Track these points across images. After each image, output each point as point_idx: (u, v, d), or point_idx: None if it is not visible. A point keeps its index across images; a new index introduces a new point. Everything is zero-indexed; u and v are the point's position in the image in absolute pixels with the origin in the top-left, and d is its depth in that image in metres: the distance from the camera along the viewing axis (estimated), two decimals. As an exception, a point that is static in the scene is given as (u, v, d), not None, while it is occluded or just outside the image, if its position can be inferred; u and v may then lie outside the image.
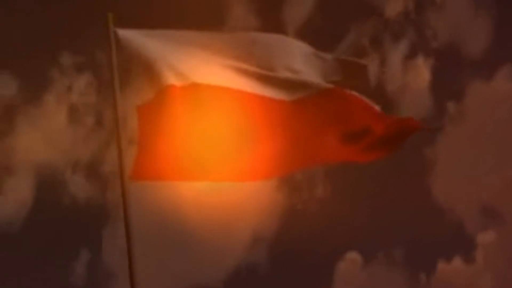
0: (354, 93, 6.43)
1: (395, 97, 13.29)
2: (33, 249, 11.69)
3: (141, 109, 6.05)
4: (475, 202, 13.26)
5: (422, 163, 13.20)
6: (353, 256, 12.54)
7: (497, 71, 13.66)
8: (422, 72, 13.66)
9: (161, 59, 6.14)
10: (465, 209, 13.20)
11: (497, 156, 13.15)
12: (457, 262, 12.81)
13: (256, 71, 6.39)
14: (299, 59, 6.54)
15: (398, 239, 12.59)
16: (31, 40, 12.26)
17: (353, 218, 12.20)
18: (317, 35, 12.87)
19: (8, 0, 12.18)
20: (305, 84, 6.39)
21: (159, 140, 6.00)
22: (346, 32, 13.06)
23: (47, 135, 12.56)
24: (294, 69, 6.47)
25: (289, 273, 12.14)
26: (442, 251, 12.64)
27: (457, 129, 13.46)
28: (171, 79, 6.08)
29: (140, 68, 6.11)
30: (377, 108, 6.40)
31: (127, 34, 6.17)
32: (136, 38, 6.20)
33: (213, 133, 6.13)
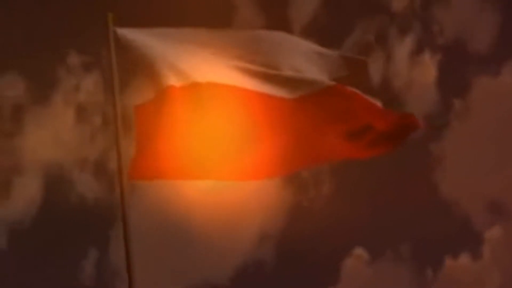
0: (356, 90, 6.42)
1: (402, 93, 13.30)
2: (42, 247, 11.75)
3: (139, 109, 6.06)
4: (482, 198, 13.25)
5: (429, 159, 13.21)
6: (359, 252, 12.56)
7: (503, 66, 13.66)
8: (428, 67, 13.65)
9: (161, 58, 6.14)
10: (472, 205, 13.19)
11: (504, 151, 13.14)
12: (464, 258, 12.81)
13: (258, 69, 6.39)
14: (302, 57, 6.54)
15: (405, 235, 12.60)
16: (37, 40, 12.31)
17: (360, 214, 12.22)
18: (323, 32, 12.90)
19: (8, 1, 12.23)
20: (307, 82, 6.39)
21: (159, 139, 6.00)
22: (352, 29, 13.08)
23: (55, 134, 12.61)
24: (296, 67, 6.47)
25: (296, 270, 12.16)
26: (449, 247, 12.64)
27: (464, 124, 13.45)
28: (171, 80, 6.09)
29: (140, 68, 6.13)
30: (378, 104, 6.39)
31: (127, 33, 6.18)
32: (136, 37, 6.20)
33: (214, 132, 6.12)
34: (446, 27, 13.72)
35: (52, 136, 12.58)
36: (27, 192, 12.29)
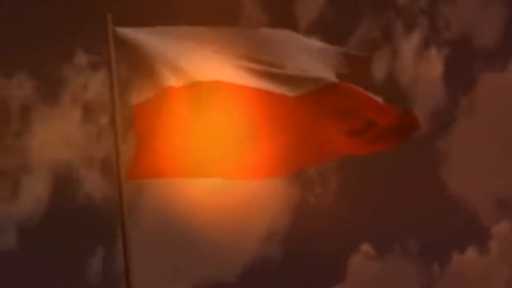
0: (357, 87, 6.43)
1: (408, 89, 13.29)
2: (50, 245, 11.80)
3: (138, 108, 6.06)
4: (489, 193, 13.24)
5: (436, 156, 13.20)
6: (366, 248, 12.56)
7: (510, 62, 13.63)
8: (435, 63, 13.64)
9: (162, 57, 6.14)
10: (479, 200, 13.19)
11: (511, 146, 13.13)
12: (472, 253, 12.81)
13: (260, 68, 6.39)
14: (306, 55, 6.55)
15: (412, 231, 12.60)
16: (43, 40, 12.35)
17: (366, 211, 12.22)
18: (329, 29, 12.89)
19: (9, 1, 12.27)
20: (310, 80, 6.40)
21: (159, 137, 6.02)
22: (358, 25, 13.08)
23: (63, 134, 12.66)
24: (300, 65, 6.48)
25: (303, 267, 12.18)
26: (456, 242, 12.64)
27: (471, 120, 13.44)
28: (171, 80, 6.10)
29: (141, 67, 6.14)
30: (380, 100, 6.39)
31: (127, 33, 6.19)
32: (136, 36, 6.21)
33: (214, 130, 6.13)
34: (452, 23, 13.71)
35: (60, 136, 12.63)
36: (34, 191, 12.35)
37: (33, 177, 12.42)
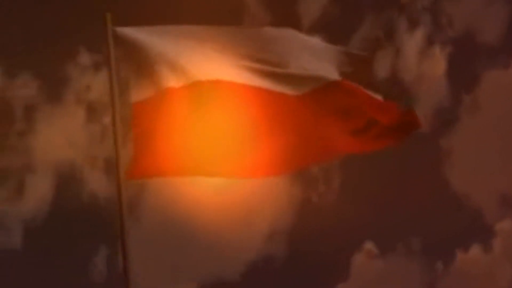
0: (359, 86, 6.43)
1: (412, 87, 13.29)
2: (54, 244, 11.84)
3: (138, 106, 6.07)
4: (492, 191, 13.22)
5: (439, 153, 13.20)
6: (369, 247, 12.56)
7: (514, 59, 13.61)
8: (438, 61, 13.63)
9: (162, 56, 6.15)
10: (483, 198, 13.18)
11: (514, 144, 13.12)
12: (475, 251, 12.80)
13: (262, 67, 6.40)
14: (309, 54, 6.56)
15: (415, 229, 12.59)
16: (47, 40, 12.38)
17: (369, 209, 12.23)
18: (332, 27, 12.90)
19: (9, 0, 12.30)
20: (312, 79, 6.41)
21: (158, 136, 6.02)
22: (361, 24, 13.08)
23: (66, 133, 12.69)
24: (303, 64, 6.49)
25: (306, 265, 12.18)
26: (460, 240, 12.62)
27: (474, 118, 13.43)
28: (171, 81, 6.11)
29: (141, 67, 6.15)
30: (380, 99, 6.40)
31: (127, 32, 6.20)
32: (136, 35, 6.20)
33: (215, 129, 6.14)
34: (456, 20, 13.69)
35: (64, 136, 12.66)
36: (38, 191, 12.39)
37: (37, 177, 12.46)
